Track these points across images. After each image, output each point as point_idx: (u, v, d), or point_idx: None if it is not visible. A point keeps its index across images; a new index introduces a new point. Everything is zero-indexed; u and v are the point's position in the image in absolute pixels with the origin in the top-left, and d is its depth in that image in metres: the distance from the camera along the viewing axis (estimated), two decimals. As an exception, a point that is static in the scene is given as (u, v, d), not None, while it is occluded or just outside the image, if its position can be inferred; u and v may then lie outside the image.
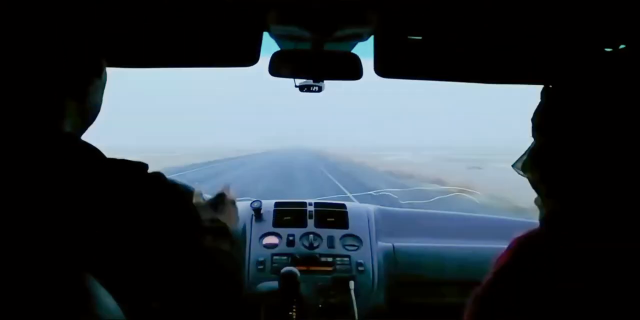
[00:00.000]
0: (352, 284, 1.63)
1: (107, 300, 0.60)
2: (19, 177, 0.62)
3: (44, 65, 0.71)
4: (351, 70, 1.16)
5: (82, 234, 0.61)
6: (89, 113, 0.80)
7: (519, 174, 0.76)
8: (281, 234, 1.80)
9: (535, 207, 0.70)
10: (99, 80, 0.80)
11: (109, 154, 0.71)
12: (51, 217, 0.60)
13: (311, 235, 1.79)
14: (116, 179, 0.67)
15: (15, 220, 0.59)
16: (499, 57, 1.10)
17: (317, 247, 1.76)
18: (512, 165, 0.77)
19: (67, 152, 0.66)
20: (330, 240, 1.79)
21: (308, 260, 1.70)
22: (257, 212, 1.88)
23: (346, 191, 12.60)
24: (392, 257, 1.77)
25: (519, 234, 0.64)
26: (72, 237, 0.60)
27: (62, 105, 0.74)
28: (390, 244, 1.81)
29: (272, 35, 1.17)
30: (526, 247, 0.61)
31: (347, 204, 2.00)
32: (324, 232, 1.81)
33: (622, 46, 1.08)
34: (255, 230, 1.83)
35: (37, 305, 0.56)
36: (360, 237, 1.82)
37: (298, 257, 1.70)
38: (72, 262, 0.60)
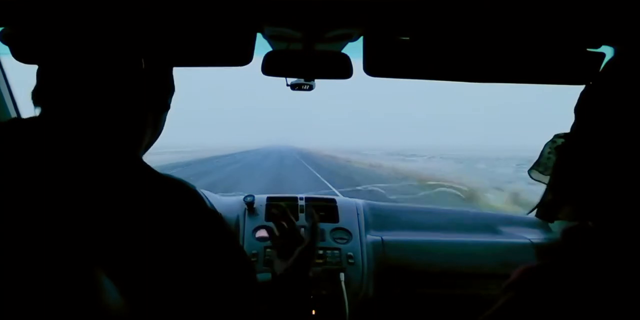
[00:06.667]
0: (342, 275, 1.67)
1: (113, 292, 0.63)
2: (79, 185, 0.65)
3: (135, 94, 0.78)
4: (341, 69, 1.18)
5: (116, 236, 0.63)
6: (155, 137, 0.89)
7: (534, 179, 0.74)
8: (273, 227, 1.84)
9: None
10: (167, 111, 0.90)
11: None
12: (93, 221, 0.63)
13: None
14: (163, 195, 0.70)
15: (62, 220, 0.62)
16: (486, 56, 1.12)
17: None
18: (528, 171, 0.75)
19: (127, 172, 0.70)
20: (321, 234, 1.82)
21: None
22: (250, 206, 1.92)
23: (332, 187, 12.64)
24: (381, 250, 1.81)
25: (528, 264, 0.61)
26: (105, 238, 0.63)
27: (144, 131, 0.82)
28: (379, 237, 1.86)
29: (265, 36, 1.19)
30: (534, 281, 0.59)
31: (337, 198, 2.05)
32: None
33: (605, 46, 1.12)
34: (248, 223, 1.87)
35: (51, 293, 0.60)
36: (350, 230, 1.86)
37: None
38: (91, 259, 0.62)
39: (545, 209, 2.10)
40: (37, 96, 0.75)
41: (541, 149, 0.73)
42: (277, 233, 1.28)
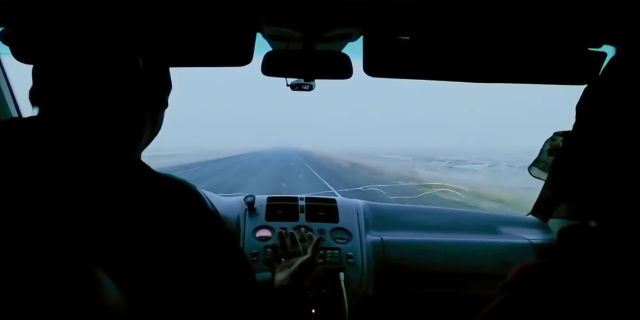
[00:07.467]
0: (342, 275, 1.68)
1: (112, 289, 0.63)
2: (81, 184, 0.65)
3: (135, 96, 0.79)
4: (341, 69, 1.18)
5: (116, 233, 0.64)
6: (153, 135, 0.89)
7: (534, 176, 0.73)
8: (273, 227, 1.85)
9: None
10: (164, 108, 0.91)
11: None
12: (95, 219, 0.63)
13: (302, 229, 1.84)
14: (162, 194, 0.70)
15: (66, 219, 0.62)
16: (487, 56, 1.12)
17: None
18: (529, 168, 0.74)
19: (126, 171, 0.70)
20: (321, 233, 1.83)
21: None
22: (251, 206, 1.93)
23: (331, 187, 12.67)
24: (380, 250, 1.81)
25: (525, 262, 0.61)
26: (104, 235, 0.63)
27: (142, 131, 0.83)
28: (378, 237, 1.86)
29: (264, 36, 1.19)
30: (531, 280, 0.59)
31: (337, 199, 2.06)
32: (315, 226, 1.87)
33: (606, 46, 1.12)
34: (249, 223, 1.87)
35: (51, 292, 0.60)
36: (350, 230, 1.87)
37: None
38: (91, 258, 0.62)
39: (542, 206, 2.11)
40: (35, 96, 0.75)
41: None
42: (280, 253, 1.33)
